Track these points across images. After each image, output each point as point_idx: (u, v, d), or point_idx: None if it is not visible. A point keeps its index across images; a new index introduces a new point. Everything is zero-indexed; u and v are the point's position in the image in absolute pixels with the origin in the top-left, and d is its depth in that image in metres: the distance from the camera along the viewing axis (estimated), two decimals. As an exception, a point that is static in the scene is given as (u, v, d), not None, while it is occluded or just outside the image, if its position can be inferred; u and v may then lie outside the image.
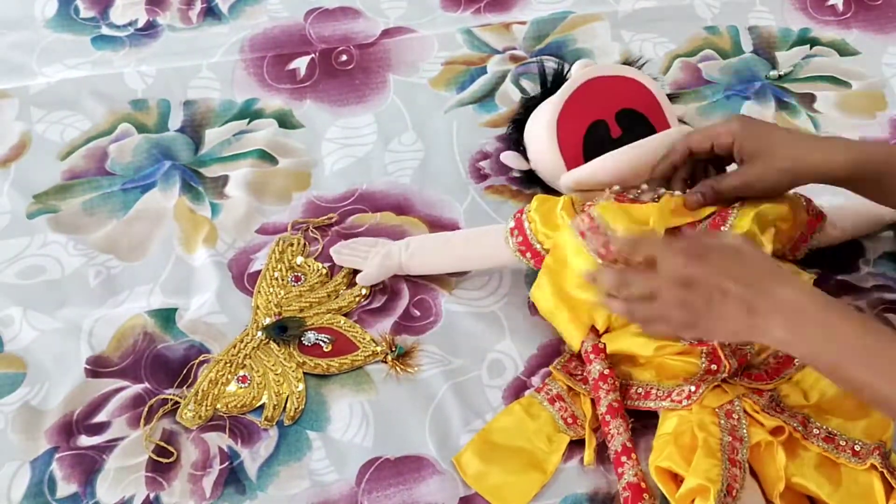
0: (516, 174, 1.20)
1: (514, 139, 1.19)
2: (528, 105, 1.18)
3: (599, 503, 0.95)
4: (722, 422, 0.93)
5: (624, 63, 1.21)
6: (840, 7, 1.43)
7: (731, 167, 1.03)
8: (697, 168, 1.06)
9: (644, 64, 1.22)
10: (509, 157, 1.17)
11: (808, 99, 1.31)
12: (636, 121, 1.08)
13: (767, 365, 1.00)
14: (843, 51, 1.37)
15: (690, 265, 0.85)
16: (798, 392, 0.98)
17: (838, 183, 1.00)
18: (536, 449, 0.98)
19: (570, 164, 1.09)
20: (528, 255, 1.04)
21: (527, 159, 1.16)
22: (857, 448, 0.92)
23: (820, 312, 0.83)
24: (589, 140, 1.08)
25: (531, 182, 1.18)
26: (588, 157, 1.07)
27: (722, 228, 0.99)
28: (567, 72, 1.18)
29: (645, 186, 1.04)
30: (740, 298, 0.83)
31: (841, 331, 0.82)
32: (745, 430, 0.93)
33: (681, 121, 1.16)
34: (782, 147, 0.99)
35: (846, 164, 0.97)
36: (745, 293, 0.83)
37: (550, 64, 1.24)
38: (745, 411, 0.95)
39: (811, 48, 1.37)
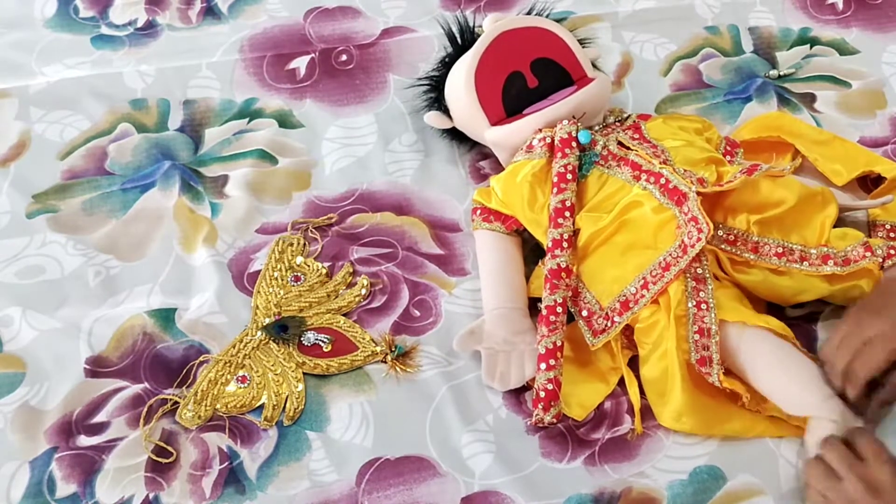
0: (439, 133, 1.22)
1: (434, 98, 1.22)
2: (446, 63, 1.20)
3: (604, 503, 0.95)
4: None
5: (530, 13, 1.24)
6: (840, 6, 1.43)
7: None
8: None
9: (549, 14, 1.24)
10: (432, 118, 1.20)
11: (809, 99, 1.30)
12: (551, 69, 1.14)
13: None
14: (843, 50, 1.37)
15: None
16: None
17: None
18: (600, 362, 1.03)
19: (492, 117, 1.13)
20: (492, 218, 1.11)
21: (449, 117, 1.19)
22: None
23: None
24: (507, 92, 1.13)
25: (456, 138, 1.22)
26: (508, 108, 1.12)
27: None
28: (476, 27, 1.20)
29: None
30: None
31: None
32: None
33: (594, 65, 1.19)
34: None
35: None
36: None
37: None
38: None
39: (811, 48, 1.37)
